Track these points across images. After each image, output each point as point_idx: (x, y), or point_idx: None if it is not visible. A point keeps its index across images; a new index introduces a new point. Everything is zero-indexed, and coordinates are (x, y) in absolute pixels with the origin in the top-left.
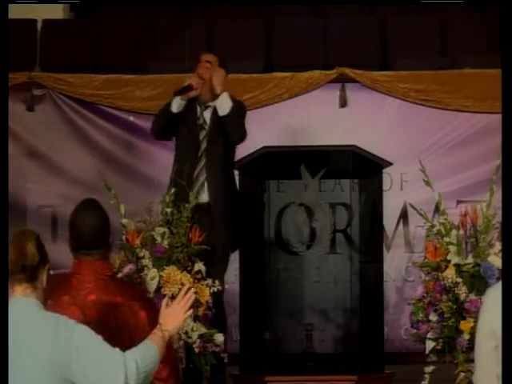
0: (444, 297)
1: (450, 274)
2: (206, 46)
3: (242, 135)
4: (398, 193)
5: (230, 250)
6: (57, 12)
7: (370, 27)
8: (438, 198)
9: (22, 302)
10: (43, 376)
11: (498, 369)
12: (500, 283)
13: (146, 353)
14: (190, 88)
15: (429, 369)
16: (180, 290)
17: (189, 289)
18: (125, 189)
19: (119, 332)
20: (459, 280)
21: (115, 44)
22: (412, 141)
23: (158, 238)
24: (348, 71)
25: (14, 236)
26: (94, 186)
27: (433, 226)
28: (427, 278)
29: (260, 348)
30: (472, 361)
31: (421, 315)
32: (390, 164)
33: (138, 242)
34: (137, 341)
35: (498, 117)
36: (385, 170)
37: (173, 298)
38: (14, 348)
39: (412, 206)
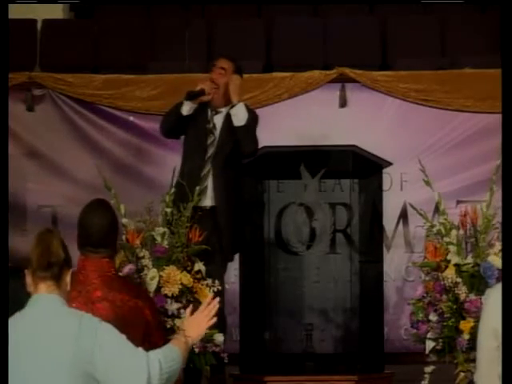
0: (444, 297)
1: (449, 273)
2: (206, 45)
3: (254, 147)
4: (397, 193)
5: (232, 253)
6: (57, 12)
7: (370, 27)
8: (437, 198)
9: (47, 298)
10: (66, 371)
11: (500, 368)
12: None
13: (169, 354)
14: (202, 93)
15: (429, 369)
16: (180, 289)
17: (213, 298)
18: (125, 189)
19: (126, 327)
20: (459, 280)
21: (115, 44)
22: (412, 141)
23: (158, 238)
24: (348, 71)
25: (40, 234)
26: (94, 185)
27: (433, 226)
28: (427, 278)
29: (260, 348)
30: (472, 361)
31: (421, 315)
32: (390, 164)
33: (137, 242)
34: (142, 337)
35: (498, 117)
36: (385, 170)
37: (172, 297)
38: (37, 343)
39: (412, 206)
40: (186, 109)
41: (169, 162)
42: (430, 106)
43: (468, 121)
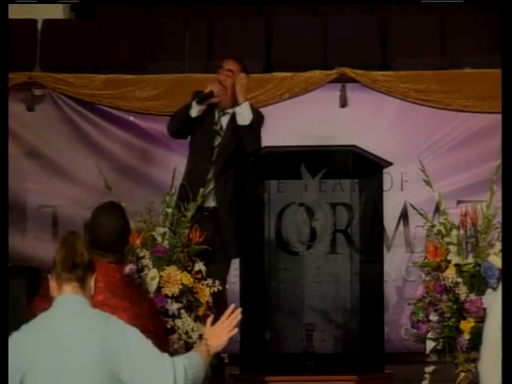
0: (444, 297)
1: (450, 274)
2: (206, 45)
3: (257, 147)
4: (398, 193)
5: (235, 253)
6: (57, 12)
7: (369, 27)
8: (438, 197)
9: (72, 298)
10: (92, 370)
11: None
12: None
13: (193, 361)
14: (211, 95)
15: (429, 369)
16: (180, 289)
17: (234, 309)
18: (125, 188)
19: None
20: (459, 280)
21: (115, 44)
22: (412, 141)
23: (159, 238)
24: (348, 71)
25: (64, 237)
26: (94, 185)
27: (433, 226)
28: (427, 278)
29: (260, 348)
30: (472, 361)
31: (421, 315)
32: (391, 164)
33: (138, 241)
34: None
35: (498, 117)
36: (385, 170)
37: (173, 297)
38: (63, 342)
39: (412, 206)
40: (195, 111)
41: (169, 161)
42: (429, 106)
43: (468, 121)
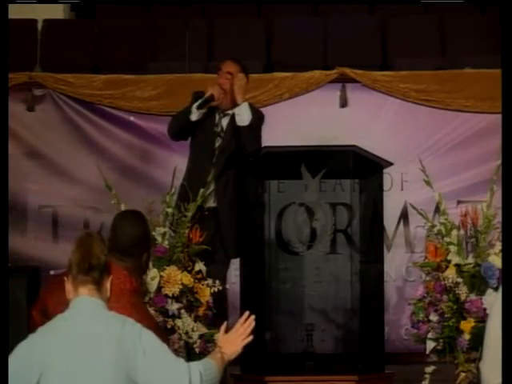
0: (444, 297)
1: (450, 274)
2: (206, 45)
3: (257, 147)
4: (398, 193)
5: (236, 253)
6: (57, 12)
7: (370, 27)
8: (438, 198)
9: (89, 300)
10: (108, 372)
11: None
12: None
13: (208, 367)
14: (211, 99)
15: (429, 369)
16: (180, 289)
17: (249, 316)
18: (125, 189)
19: None
20: (460, 280)
21: (115, 44)
22: (412, 141)
23: (159, 238)
24: (348, 71)
25: (80, 238)
26: (94, 185)
27: (433, 226)
28: (428, 278)
29: (260, 348)
30: (473, 361)
31: (421, 315)
32: (391, 164)
33: None
34: None
35: (498, 117)
36: (385, 170)
37: (173, 297)
38: (79, 344)
39: (412, 206)
40: (195, 115)
41: (169, 161)
42: (430, 106)
43: (468, 121)
